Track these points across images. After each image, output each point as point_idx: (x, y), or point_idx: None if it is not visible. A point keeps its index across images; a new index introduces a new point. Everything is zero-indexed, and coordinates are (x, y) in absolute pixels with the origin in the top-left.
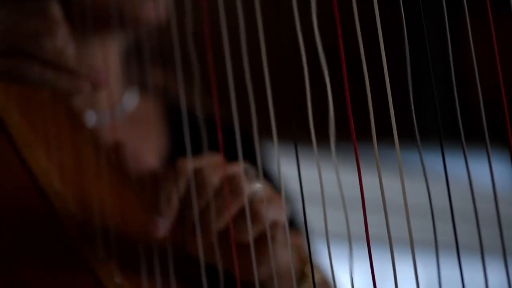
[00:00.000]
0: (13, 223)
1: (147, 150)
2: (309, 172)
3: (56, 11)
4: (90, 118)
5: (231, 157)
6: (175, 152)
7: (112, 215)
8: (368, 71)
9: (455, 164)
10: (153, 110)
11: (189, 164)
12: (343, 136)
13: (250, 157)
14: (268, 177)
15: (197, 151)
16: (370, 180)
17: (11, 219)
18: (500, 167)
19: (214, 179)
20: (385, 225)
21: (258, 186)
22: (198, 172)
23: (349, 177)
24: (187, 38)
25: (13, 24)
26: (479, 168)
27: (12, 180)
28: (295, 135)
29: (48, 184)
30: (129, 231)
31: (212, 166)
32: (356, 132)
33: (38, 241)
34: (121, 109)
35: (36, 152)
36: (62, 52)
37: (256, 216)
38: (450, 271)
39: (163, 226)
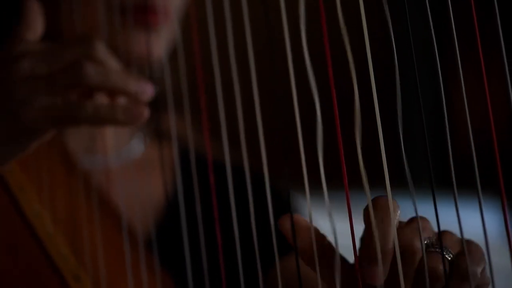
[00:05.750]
0: (7, 265)
1: (149, 196)
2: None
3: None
4: (87, 161)
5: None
6: (185, 195)
7: (103, 259)
8: (361, 118)
9: (445, 212)
10: (162, 156)
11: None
12: (335, 183)
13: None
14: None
15: (206, 195)
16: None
17: (5, 261)
18: (488, 215)
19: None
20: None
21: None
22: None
23: (341, 225)
24: (196, 84)
25: (51, 62)
26: (469, 216)
27: (5, 223)
28: (288, 182)
29: (41, 227)
30: (119, 275)
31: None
32: (348, 179)
33: (32, 282)
34: (127, 153)
35: (29, 194)
36: (106, 73)
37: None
38: None
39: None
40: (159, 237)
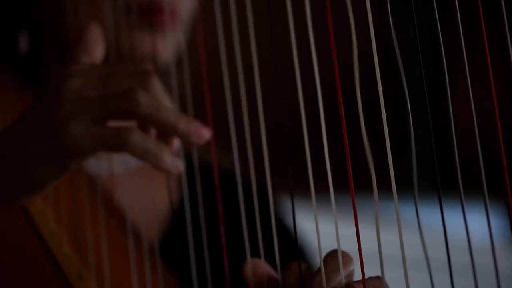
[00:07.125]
0: (8, 263)
1: (154, 203)
2: (308, 225)
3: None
4: (92, 166)
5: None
6: (191, 204)
7: (106, 258)
8: (365, 124)
9: (448, 215)
10: None
11: None
12: (341, 188)
13: (265, 209)
14: (283, 230)
15: (212, 204)
16: (367, 233)
17: (7, 259)
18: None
19: None
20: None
21: None
22: None
23: (347, 230)
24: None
25: (103, 84)
26: (470, 218)
27: (7, 220)
28: (293, 187)
29: (44, 224)
30: (124, 275)
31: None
32: (354, 184)
33: (34, 281)
34: (132, 159)
35: None
36: (160, 106)
37: None
38: None
39: None
40: (164, 245)
